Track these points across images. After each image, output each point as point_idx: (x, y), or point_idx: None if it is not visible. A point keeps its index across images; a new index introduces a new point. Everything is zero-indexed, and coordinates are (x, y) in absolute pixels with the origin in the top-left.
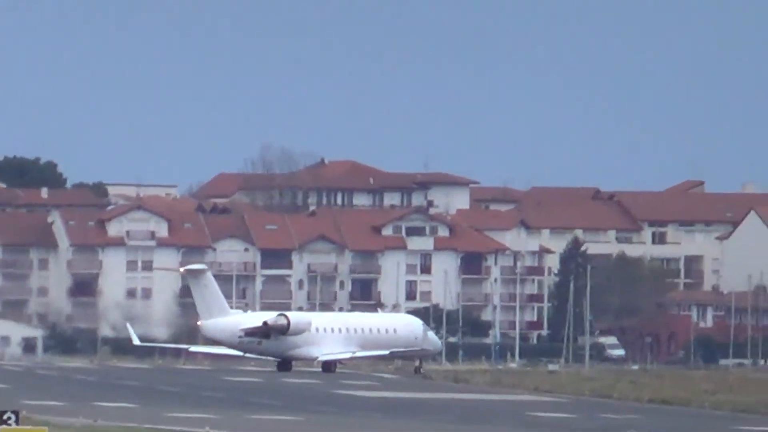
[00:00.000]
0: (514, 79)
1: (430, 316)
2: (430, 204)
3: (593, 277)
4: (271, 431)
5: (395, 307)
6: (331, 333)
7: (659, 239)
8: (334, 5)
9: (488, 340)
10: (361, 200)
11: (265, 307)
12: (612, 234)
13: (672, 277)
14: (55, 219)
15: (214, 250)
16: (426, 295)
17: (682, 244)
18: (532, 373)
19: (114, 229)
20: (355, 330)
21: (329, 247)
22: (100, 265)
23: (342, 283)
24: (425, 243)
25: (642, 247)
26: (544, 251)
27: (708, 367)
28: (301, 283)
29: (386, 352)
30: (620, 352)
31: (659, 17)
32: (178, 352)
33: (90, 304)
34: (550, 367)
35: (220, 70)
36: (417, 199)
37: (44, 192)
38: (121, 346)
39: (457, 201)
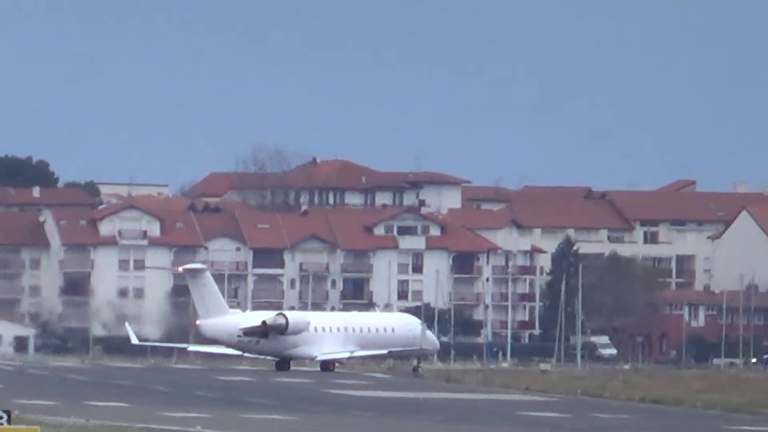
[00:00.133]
0: (506, 79)
1: (421, 315)
2: (422, 203)
3: (585, 277)
4: (264, 431)
5: (387, 307)
6: (329, 332)
7: (651, 239)
8: (326, 5)
9: (480, 340)
10: (353, 200)
11: (257, 307)
12: (604, 233)
13: (664, 276)
14: (47, 218)
15: (206, 249)
16: (418, 294)
17: (673, 243)
18: (523, 373)
19: (106, 228)
20: (354, 329)
21: (321, 247)
22: (92, 264)
23: (334, 283)
24: (417, 242)
25: (634, 247)
26: (535, 251)
27: (700, 366)
28: (293, 282)
29: (385, 351)
30: (612, 351)
31: (651, 18)
32: (169, 352)
33: (82, 304)
34: (542, 366)
35: (212, 70)
36: (409, 199)
37: (36, 191)
38: (113, 346)
39: (449, 200)
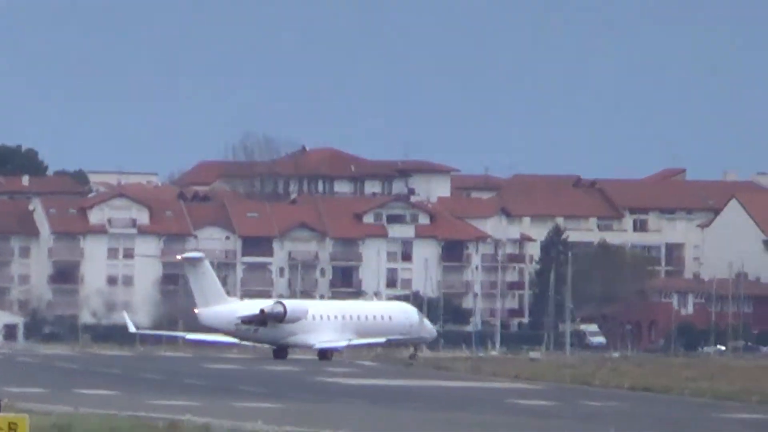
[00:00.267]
0: (495, 68)
1: (410, 303)
2: (411, 192)
3: (574, 265)
4: (253, 419)
5: (376, 295)
6: (327, 320)
7: (640, 227)
8: None
9: (469, 328)
10: (342, 188)
11: (246, 295)
12: (593, 222)
13: (653, 264)
14: (37, 207)
15: (195, 237)
16: (407, 282)
17: (663, 231)
18: (513, 361)
19: (95, 216)
20: (351, 317)
21: (310, 235)
22: (82, 252)
23: (323, 271)
24: (406, 231)
25: (623, 235)
26: (525, 239)
27: (689, 354)
28: (281, 270)
29: (383, 339)
30: (601, 339)
31: (640, 8)
32: (158, 340)
33: (71, 292)
34: (531, 354)
35: (201, 59)
36: (398, 187)
37: (25, 180)
38: (102, 334)
39: (438, 189)
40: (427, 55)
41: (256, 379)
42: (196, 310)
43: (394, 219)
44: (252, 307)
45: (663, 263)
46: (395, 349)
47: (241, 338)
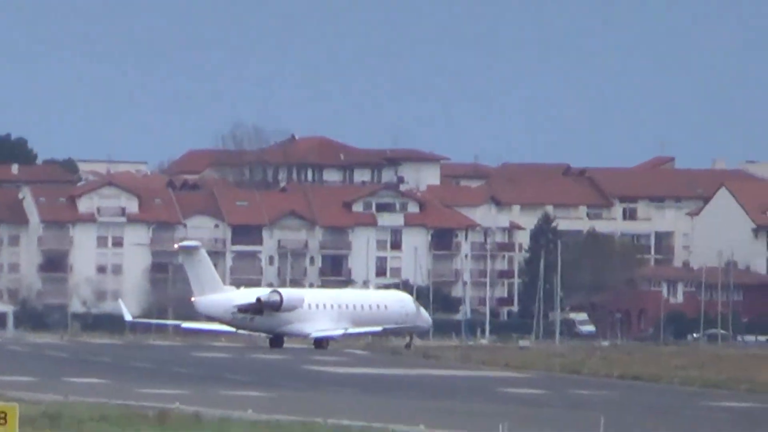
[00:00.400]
0: (485, 56)
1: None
2: (401, 180)
3: (564, 253)
4: (242, 407)
5: (365, 284)
6: (323, 309)
7: (630, 215)
8: None
9: (458, 317)
10: (332, 176)
11: (235, 283)
12: (582, 210)
13: (642, 253)
14: (26, 195)
15: (185, 226)
16: (396, 271)
17: (652, 220)
18: (502, 349)
19: (84, 205)
20: (347, 306)
21: (299, 224)
22: (71, 241)
23: (312, 259)
24: (395, 219)
25: (612, 223)
26: (514, 227)
27: (678, 342)
28: (271, 259)
29: (379, 328)
30: (590, 328)
31: None
32: (148, 328)
33: (61, 280)
34: (521, 343)
35: (190, 47)
36: (387, 176)
37: (14, 168)
38: (92, 322)
39: (428, 177)
40: (416, 43)
41: (245, 367)
42: (192, 299)
43: (383, 207)
44: (248, 295)
45: (652, 252)
46: (385, 339)
47: (238, 327)
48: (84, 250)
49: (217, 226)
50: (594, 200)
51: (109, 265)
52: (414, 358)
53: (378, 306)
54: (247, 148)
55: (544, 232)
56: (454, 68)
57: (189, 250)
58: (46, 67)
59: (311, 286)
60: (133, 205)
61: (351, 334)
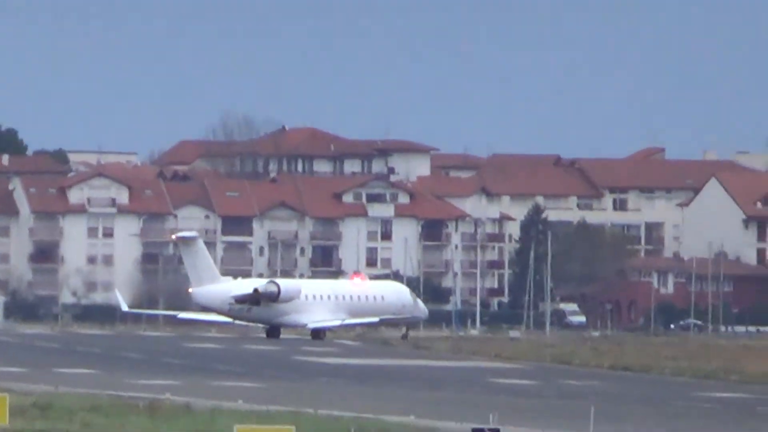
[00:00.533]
0: (475, 47)
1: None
2: (391, 171)
3: (554, 244)
4: (233, 398)
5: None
6: (320, 300)
7: (620, 206)
8: None
9: (449, 307)
10: (322, 167)
11: (225, 274)
12: (573, 201)
13: (633, 243)
14: (16, 186)
15: (175, 217)
16: (386, 262)
17: (642, 210)
18: (493, 340)
19: (75, 196)
20: (344, 297)
21: (290, 214)
22: (61, 232)
23: (302, 250)
24: (386, 210)
25: (603, 214)
26: (504, 218)
27: (668, 333)
28: (261, 250)
29: (376, 319)
30: (581, 318)
31: None
32: (138, 318)
33: (51, 271)
34: (511, 333)
35: (180, 38)
36: (377, 166)
37: (5, 159)
38: (82, 312)
39: (418, 168)
40: (407, 34)
41: (236, 358)
42: (190, 290)
43: (373, 198)
44: (246, 286)
45: (643, 242)
46: (376, 329)
47: (235, 318)
48: (74, 241)
49: (207, 216)
50: (584, 191)
51: (100, 256)
52: (405, 349)
53: (375, 297)
54: (238, 139)
55: (534, 223)
56: (444, 59)
57: (186, 241)
58: (36, 58)
59: (301, 276)
60: (123, 196)
61: (348, 325)
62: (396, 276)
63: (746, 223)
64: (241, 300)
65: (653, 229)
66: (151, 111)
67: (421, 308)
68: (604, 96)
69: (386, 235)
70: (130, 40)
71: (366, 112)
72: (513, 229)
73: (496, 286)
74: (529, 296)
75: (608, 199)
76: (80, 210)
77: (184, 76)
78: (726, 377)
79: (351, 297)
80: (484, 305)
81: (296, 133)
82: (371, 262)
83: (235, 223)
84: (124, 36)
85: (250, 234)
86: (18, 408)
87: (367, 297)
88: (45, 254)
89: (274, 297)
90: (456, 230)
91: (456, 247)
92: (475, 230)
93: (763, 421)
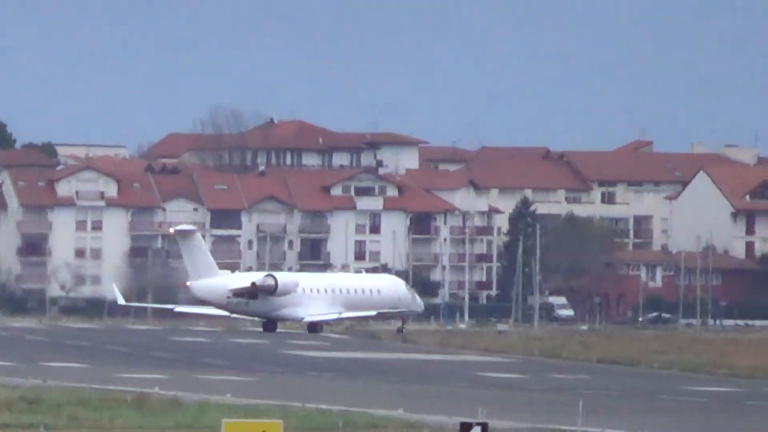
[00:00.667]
0: (463, 40)
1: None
2: (380, 164)
3: (542, 237)
4: (221, 391)
5: (344, 268)
6: (317, 294)
7: (608, 199)
8: None
9: (437, 301)
10: (310, 160)
11: None
12: (561, 194)
13: (621, 236)
14: (5, 179)
15: (164, 210)
16: (375, 255)
17: (631, 204)
18: (481, 334)
19: (63, 189)
20: (341, 291)
21: (278, 207)
22: (50, 225)
23: (291, 243)
24: (374, 203)
25: (591, 207)
26: (493, 211)
27: (656, 326)
28: (250, 243)
29: (372, 312)
30: (569, 312)
31: None
32: (126, 312)
33: (39, 264)
34: (500, 327)
35: (169, 31)
36: (366, 159)
37: None
38: (70, 306)
39: (407, 161)
40: (395, 26)
41: (224, 352)
42: (188, 283)
43: (362, 191)
44: (243, 279)
45: (631, 235)
46: (365, 323)
47: (232, 311)
48: (63, 234)
49: (196, 210)
50: (573, 184)
51: (88, 249)
52: (393, 343)
53: (371, 290)
54: (226, 132)
55: (522, 216)
56: (432, 52)
57: (185, 234)
58: (24, 51)
59: (290, 270)
60: (112, 189)
61: (345, 319)
62: (384, 269)
63: (734, 216)
64: (238, 293)
65: (641, 223)
66: (139, 104)
67: (418, 302)
68: (592, 89)
69: (375, 229)
70: (118, 34)
71: (354, 105)
72: (501, 223)
73: (484, 279)
74: (518, 289)
75: (596, 193)
76: (69, 203)
77: (172, 70)
78: (714, 371)
79: (348, 290)
80: (473, 298)
81: (285, 127)
82: (360, 256)
83: (224, 217)
84: (112, 30)
85: (239, 227)
86: (6, 401)
87: (363, 290)
88: (33, 247)
89: (271, 290)
90: (444, 223)
91: (444, 240)
92: (464, 223)
93: (752, 414)
